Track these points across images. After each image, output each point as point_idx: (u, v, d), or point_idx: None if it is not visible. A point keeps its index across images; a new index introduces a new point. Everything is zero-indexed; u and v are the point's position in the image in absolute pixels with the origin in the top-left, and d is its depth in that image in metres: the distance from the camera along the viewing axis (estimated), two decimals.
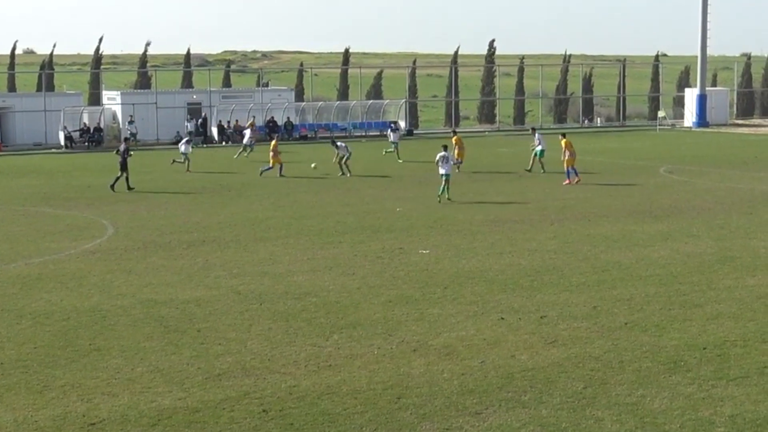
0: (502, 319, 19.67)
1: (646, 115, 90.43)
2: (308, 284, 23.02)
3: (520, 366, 16.51)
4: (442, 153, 37.85)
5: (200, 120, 71.71)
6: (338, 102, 79.53)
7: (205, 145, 68.70)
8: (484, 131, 79.30)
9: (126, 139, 48.37)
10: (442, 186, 37.38)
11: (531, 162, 47.55)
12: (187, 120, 71.09)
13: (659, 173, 46.85)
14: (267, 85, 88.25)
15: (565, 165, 43.13)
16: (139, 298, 21.81)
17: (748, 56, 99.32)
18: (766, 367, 16.27)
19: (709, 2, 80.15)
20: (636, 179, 44.17)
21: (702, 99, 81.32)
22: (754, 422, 13.82)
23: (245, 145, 57.46)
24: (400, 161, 52.74)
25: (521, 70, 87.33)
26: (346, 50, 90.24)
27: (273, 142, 48.76)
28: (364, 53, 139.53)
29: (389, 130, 58.14)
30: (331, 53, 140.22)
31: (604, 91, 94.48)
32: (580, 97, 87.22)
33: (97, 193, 41.35)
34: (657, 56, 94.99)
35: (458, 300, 21.34)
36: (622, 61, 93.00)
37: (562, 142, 43.27)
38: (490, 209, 35.14)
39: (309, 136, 72.39)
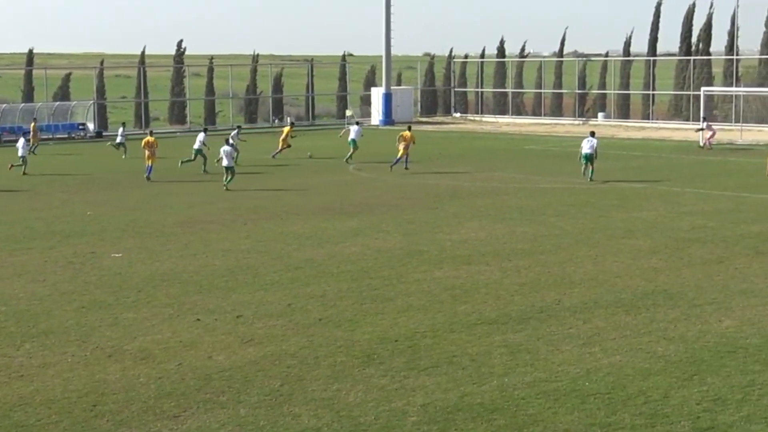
0: (198, 320, 19.64)
1: (335, 114, 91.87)
2: None
3: (217, 366, 16.54)
4: (224, 147, 41.36)
5: None
6: (23, 104, 76.81)
7: None
8: (176, 132, 78.60)
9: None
10: (227, 176, 40.87)
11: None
12: None
13: (349, 171, 47.80)
14: None
15: (400, 153, 47.36)
16: None
17: (432, 56, 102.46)
18: (454, 356, 16.92)
19: (392, 3, 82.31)
20: (326, 177, 44.89)
21: (387, 97, 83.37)
22: (445, 410, 14.35)
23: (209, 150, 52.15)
24: (350, 162, 51.25)
25: (211, 70, 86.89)
26: (30, 51, 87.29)
27: (287, 129, 53.86)
28: (50, 54, 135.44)
29: (351, 126, 54.22)
30: (14, 54, 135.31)
31: (293, 91, 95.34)
32: (270, 96, 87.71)
33: None
34: (344, 56, 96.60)
35: (153, 303, 21.14)
36: (310, 61, 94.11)
37: (405, 134, 48.14)
38: (183, 210, 34.93)
39: None
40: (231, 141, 44.65)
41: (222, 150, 41.59)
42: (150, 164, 45.05)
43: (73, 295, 22.02)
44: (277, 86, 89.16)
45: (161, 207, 35.98)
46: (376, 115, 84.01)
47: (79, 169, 49.75)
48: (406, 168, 46.87)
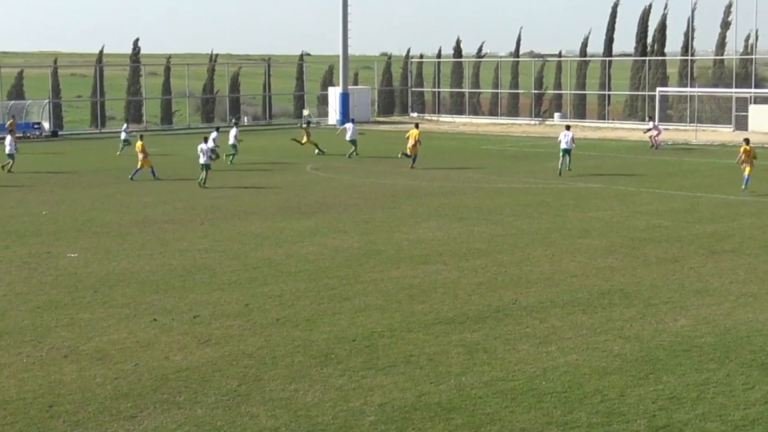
0: (155, 320, 19.56)
1: (292, 114, 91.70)
2: None
3: (174, 367, 16.48)
4: (201, 145, 41.87)
5: None
6: None
7: None
8: (132, 131, 78.24)
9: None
10: (206, 174, 41.48)
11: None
12: None
13: (306, 170, 47.76)
14: None
15: (410, 151, 49.10)
16: None
17: (389, 56, 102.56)
18: (412, 356, 16.95)
19: (349, 3, 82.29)
20: (284, 177, 44.83)
21: (345, 97, 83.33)
22: (402, 409, 14.38)
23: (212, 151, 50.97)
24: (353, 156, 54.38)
25: (168, 70, 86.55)
26: None
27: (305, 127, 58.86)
28: (4, 52, 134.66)
29: (347, 126, 57.39)
30: None
31: (250, 90, 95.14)
32: (227, 96, 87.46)
33: None
34: (301, 55, 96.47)
35: (109, 303, 21.04)
36: (267, 61, 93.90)
37: (413, 132, 49.43)
38: (140, 210, 34.77)
39: None
40: (234, 138, 49.82)
41: (199, 148, 42.05)
42: (147, 166, 44.71)
43: (29, 295, 21.86)
44: (234, 86, 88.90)
45: (117, 207, 35.80)
46: (334, 115, 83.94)
47: (34, 169, 49.39)
48: (400, 156, 49.92)
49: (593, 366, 16.35)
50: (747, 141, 40.21)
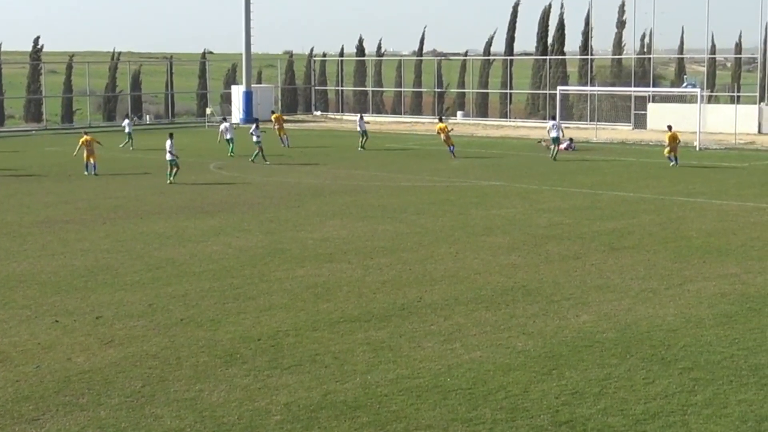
0: (57, 321, 19.31)
1: (195, 112, 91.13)
2: None
3: (76, 369, 16.28)
4: (168, 142, 42.46)
5: None
6: None
7: None
8: (31, 130, 77.17)
9: None
10: (172, 171, 42.37)
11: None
12: None
13: (210, 169, 47.49)
14: None
15: (446, 144, 52.31)
16: None
17: (291, 54, 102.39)
18: (317, 355, 16.96)
19: (251, 1, 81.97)
20: (187, 176, 44.49)
21: (248, 95, 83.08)
22: (308, 408, 14.38)
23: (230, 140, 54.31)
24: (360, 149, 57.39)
25: (69, 68, 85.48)
26: None
27: (277, 116, 61.80)
28: None
29: (358, 120, 61.33)
30: None
31: (152, 89, 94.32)
32: (129, 94, 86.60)
33: None
34: (204, 54, 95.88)
35: (10, 304, 20.72)
36: (170, 59, 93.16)
37: (439, 126, 53.29)
38: (41, 210, 34.29)
39: None
40: (225, 129, 52.32)
41: (166, 144, 42.70)
42: (93, 161, 45.50)
43: None
44: (136, 84, 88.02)
45: (18, 206, 35.26)
46: (237, 114, 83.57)
47: None
48: (454, 156, 51.44)
49: (497, 362, 16.50)
50: (670, 128, 45.53)
